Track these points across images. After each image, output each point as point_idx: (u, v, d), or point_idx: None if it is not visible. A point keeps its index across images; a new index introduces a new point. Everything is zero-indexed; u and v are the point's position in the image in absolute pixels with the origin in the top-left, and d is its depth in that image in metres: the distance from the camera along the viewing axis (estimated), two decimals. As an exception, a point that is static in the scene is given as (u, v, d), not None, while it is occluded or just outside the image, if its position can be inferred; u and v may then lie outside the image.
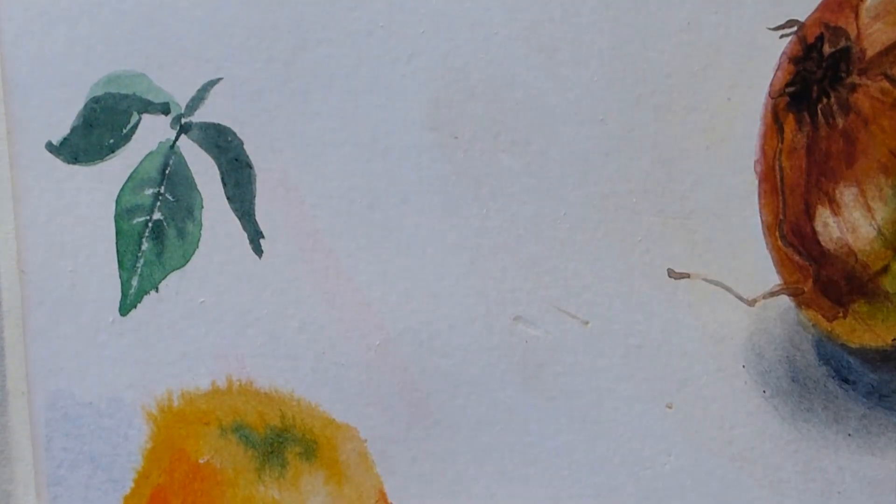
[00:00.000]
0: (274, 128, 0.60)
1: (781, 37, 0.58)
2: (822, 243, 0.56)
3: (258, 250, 0.60)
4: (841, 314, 0.57)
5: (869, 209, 0.55)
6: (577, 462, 0.59)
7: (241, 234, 0.60)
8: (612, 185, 0.59)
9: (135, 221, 0.61)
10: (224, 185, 0.60)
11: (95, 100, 0.60)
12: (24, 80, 0.60)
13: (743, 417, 0.59)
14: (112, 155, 0.61)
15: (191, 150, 0.60)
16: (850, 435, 0.59)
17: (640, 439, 0.59)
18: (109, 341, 0.61)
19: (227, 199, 0.60)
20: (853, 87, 0.55)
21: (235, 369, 0.60)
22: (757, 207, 0.58)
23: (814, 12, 0.57)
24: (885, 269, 0.55)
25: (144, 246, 0.61)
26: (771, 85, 0.58)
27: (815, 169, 0.56)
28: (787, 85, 0.57)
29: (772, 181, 0.57)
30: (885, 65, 0.55)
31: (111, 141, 0.61)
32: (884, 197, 0.55)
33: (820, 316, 0.58)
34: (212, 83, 0.60)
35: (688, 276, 0.59)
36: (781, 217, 0.57)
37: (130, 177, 0.61)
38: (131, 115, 0.60)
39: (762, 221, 0.58)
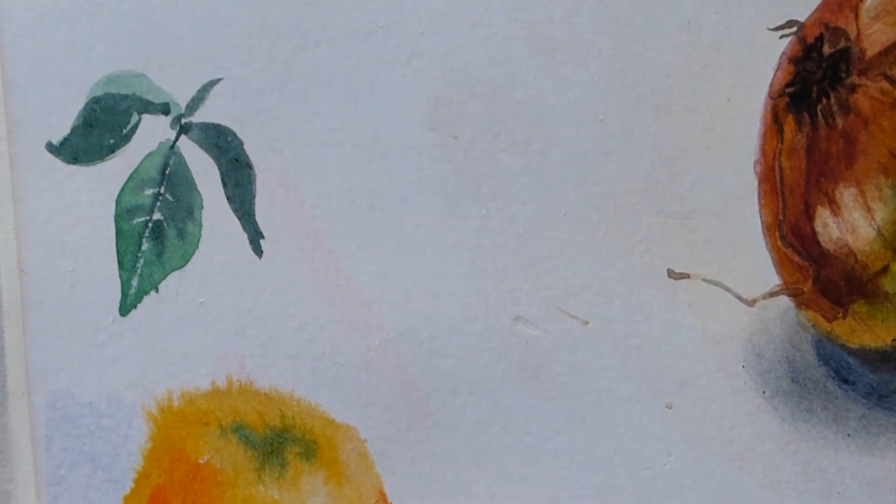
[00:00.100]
0: (274, 128, 0.60)
1: (781, 37, 0.58)
2: (822, 244, 0.56)
3: (258, 250, 0.60)
4: (841, 314, 0.57)
5: (869, 209, 0.55)
6: (577, 462, 0.59)
7: (241, 234, 0.60)
8: (612, 185, 0.59)
9: (135, 221, 0.61)
10: (224, 185, 0.60)
11: (95, 100, 0.60)
12: (24, 80, 0.60)
13: (743, 418, 0.59)
14: (112, 155, 0.61)
15: (191, 151, 0.60)
16: (849, 435, 0.58)
17: (640, 439, 0.59)
18: (109, 341, 0.61)
19: (227, 199, 0.60)
20: (853, 88, 0.55)
21: (235, 369, 0.60)
22: (757, 207, 0.58)
23: (814, 12, 0.57)
24: (884, 270, 0.55)
25: (144, 246, 0.61)
26: (771, 85, 0.58)
27: (814, 169, 0.56)
28: (787, 85, 0.57)
29: (772, 181, 0.57)
30: (884, 65, 0.55)
31: (111, 141, 0.61)
32: (883, 197, 0.55)
33: (820, 316, 0.58)
34: (212, 83, 0.60)
35: (688, 276, 0.59)
36: (781, 217, 0.57)
37: (130, 177, 0.61)
38: (131, 115, 0.60)
39: (762, 222, 0.58)
